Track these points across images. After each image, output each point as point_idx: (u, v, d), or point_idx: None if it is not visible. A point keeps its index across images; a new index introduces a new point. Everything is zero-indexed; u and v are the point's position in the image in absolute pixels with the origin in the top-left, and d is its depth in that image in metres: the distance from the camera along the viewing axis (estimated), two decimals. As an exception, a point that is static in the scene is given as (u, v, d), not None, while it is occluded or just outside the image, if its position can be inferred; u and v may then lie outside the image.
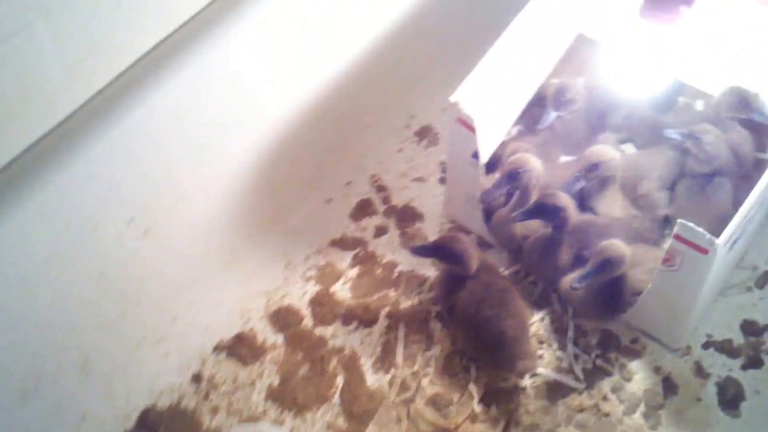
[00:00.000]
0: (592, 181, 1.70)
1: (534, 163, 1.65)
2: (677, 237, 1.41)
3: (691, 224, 1.39)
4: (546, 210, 1.61)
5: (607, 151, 1.70)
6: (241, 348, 1.67)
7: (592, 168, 1.67)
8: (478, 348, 1.60)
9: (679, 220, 1.40)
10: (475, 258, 1.58)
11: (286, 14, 1.62)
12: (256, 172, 1.72)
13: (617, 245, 1.53)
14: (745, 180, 1.72)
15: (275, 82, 1.67)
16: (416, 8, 1.91)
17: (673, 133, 1.69)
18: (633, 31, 1.75)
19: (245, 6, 1.55)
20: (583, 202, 1.72)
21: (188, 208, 1.59)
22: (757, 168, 1.75)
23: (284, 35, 1.64)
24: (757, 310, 1.63)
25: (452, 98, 1.55)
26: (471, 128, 1.57)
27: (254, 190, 1.73)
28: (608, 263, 1.51)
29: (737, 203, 1.70)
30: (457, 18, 2.00)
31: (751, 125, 1.73)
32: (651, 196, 1.71)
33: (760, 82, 1.70)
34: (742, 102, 1.69)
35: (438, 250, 1.60)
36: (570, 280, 1.59)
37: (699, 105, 1.87)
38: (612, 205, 1.71)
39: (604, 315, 1.63)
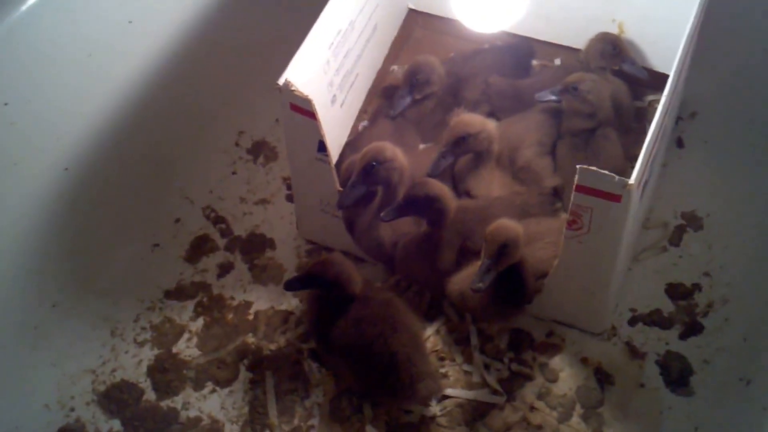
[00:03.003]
0: (463, 158, 1.43)
1: (392, 152, 1.37)
2: (580, 188, 1.15)
3: (593, 168, 1.13)
4: (418, 203, 1.33)
5: (476, 120, 1.44)
6: (67, 447, 1.30)
7: (459, 141, 1.41)
8: (366, 379, 1.28)
9: (579, 167, 1.14)
10: (354, 276, 1.28)
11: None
12: (54, 223, 1.38)
13: (507, 225, 1.26)
14: (628, 133, 1.51)
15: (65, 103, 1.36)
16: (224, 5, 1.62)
17: (546, 95, 1.46)
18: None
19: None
20: (456, 185, 1.45)
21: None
22: (638, 119, 1.55)
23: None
24: (679, 270, 1.38)
25: (281, 81, 1.25)
26: (309, 113, 1.26)
27: (55, 246, 1.39)
28: (505, 248, 1.23)
29: (628, 158, 1.50)
30: (275, 14, 1.71)
31: (623, 75, 1.53)
32: (532, 165, 1.46)
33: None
34: (615, 49, 1.49)
35: (311, 282, 1.28)
36: (460, 281, 1.31)
37: (557, 62, 1.65)
38: (490, 184, 1.44)
39: (508, 312, 1.34)
